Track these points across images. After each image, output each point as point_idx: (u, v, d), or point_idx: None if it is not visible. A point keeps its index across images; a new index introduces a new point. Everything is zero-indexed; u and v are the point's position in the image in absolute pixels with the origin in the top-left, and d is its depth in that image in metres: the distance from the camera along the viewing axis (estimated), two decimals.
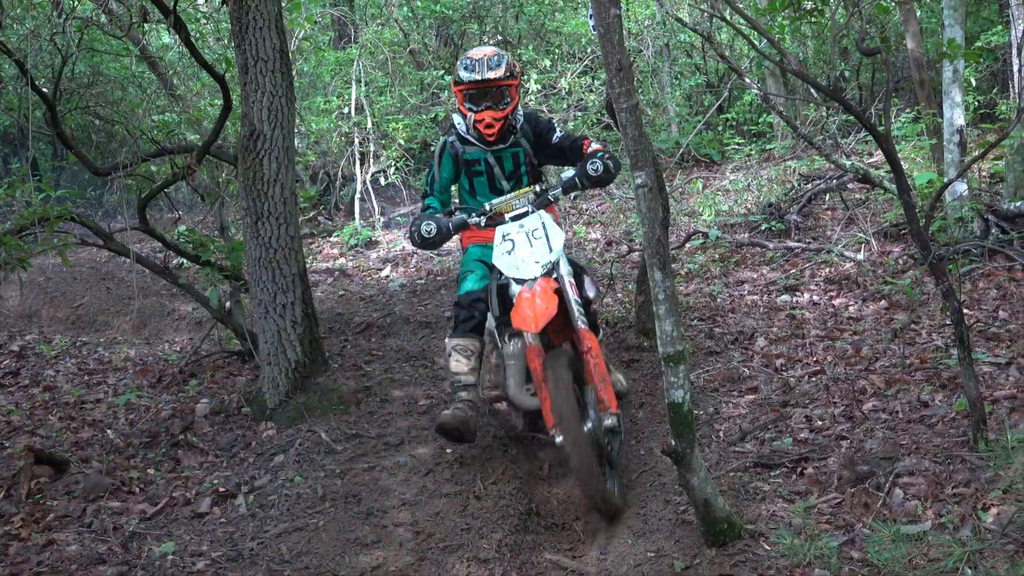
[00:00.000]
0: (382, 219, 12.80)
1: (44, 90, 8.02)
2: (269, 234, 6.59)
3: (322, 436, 6.19)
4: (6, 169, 16.17)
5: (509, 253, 5.22)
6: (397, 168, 13.08)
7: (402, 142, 12.95)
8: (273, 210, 6.60)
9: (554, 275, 5.17)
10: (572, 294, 5.14)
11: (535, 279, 5.10)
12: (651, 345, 7.11)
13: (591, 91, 13.37)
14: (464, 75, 5.59)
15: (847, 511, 4.50)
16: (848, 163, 9.41)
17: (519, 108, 5.84)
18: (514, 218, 5.35)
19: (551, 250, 5.17)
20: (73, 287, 11.08)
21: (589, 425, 4.96)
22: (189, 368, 7.86)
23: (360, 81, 13.07)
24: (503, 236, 5.28)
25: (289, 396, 6.54)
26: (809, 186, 10.67)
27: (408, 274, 10.84)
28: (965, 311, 5.21)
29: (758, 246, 9.47)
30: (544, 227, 5.24)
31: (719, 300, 8.02)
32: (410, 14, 15.65)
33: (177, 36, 7.27)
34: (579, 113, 13.33)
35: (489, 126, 5.62)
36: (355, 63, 13.04)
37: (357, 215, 12.83)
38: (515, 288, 5.18)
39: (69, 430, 6.65)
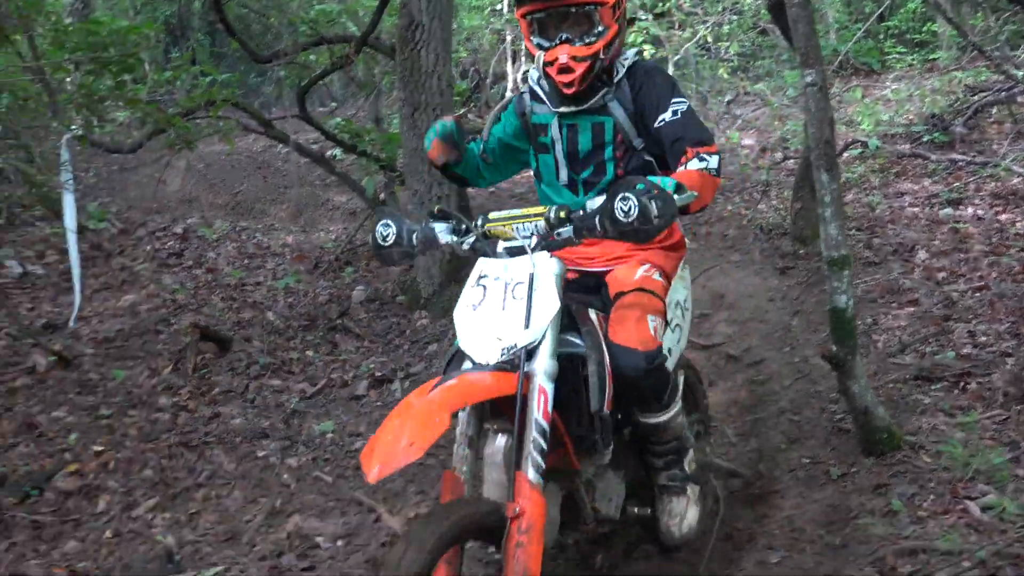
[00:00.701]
0: None
1: None
2: (426, 125, 6.59)
3: None
4: (167, 59, 16.52)
5: (474, 308, 3.11)
6: None
7: None
8: (430, 100, 6.62)
9: (520, 369, 2.91)
10: (537, 411, 2.88)
11: (486, 367, 2.95)
12: (806, 252, 6.99)
13: None
14: None
15: (1012, 428, 4.36)
16: (1020, 74, 8.96)
17: (623, 49, 3.61)
18: (510, 251, 3.16)
19: (527, 326, 2.97)
20: (231, 175, 11.37)
21: None
22: (345, 256, 8.00)
23: None
24: (478, 277, 3.16)
25: (443, 287, 6.60)
26: (976, 98, 10.20)
27: None
28: None
29: (920, 157, 9.11)
30: (531, 284, 3.04)
31: (878, 211, 7.78)
32: None
33: None
34: (734, 17, 12.96)
35: (565, 70, 3.41)
36: None
37: None
38: (467, 367, 3.05)
39: (231, 310, 6.87)
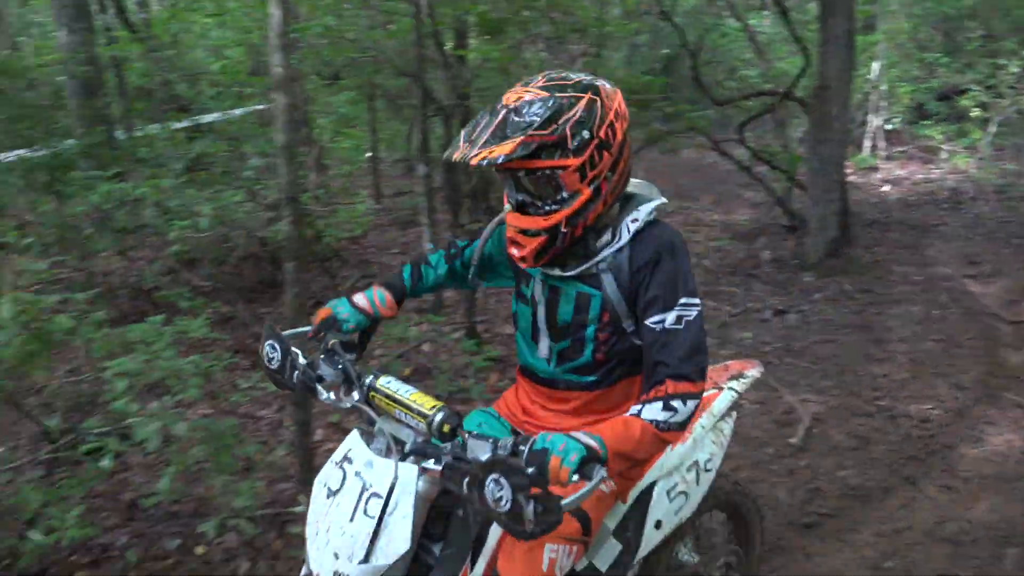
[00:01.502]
0: (884, 153, 11.86)
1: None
2: (827, 153, 6.49)
3: (845, 287, 6.08)
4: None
5: (329, 494, 1.70)
6: (899, 119, 12.00)
7: (906, 101, 11.84)
8: (831, 137, 6.47)
9: None
10: None
11: None
12: None
13: None
14: (454, 146, 1.71)
15: None
16: None
17: (624, 204, 1.88)
18: (394, 436, 1.72)
19: (365, 559, 1.57)
20: (675, 171, 11.51)
21: None
22: (757, 230, 7.92)
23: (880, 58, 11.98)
24: (344, 455, 1.74)
25: (824, 258, 6.45)
26: None
27: (902, 191, 9.97)
28: None
29: None
30: (387, 503, 1.60)
31: None
32: (919, 12, 13.90)
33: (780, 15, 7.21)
34: None
35: (514, 243, 1.81)
36: (878, 45, 11.97)
37: (867, 148, 11.98)
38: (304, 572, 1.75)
39: None
